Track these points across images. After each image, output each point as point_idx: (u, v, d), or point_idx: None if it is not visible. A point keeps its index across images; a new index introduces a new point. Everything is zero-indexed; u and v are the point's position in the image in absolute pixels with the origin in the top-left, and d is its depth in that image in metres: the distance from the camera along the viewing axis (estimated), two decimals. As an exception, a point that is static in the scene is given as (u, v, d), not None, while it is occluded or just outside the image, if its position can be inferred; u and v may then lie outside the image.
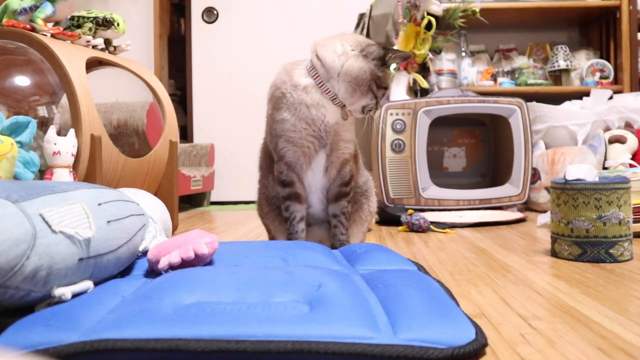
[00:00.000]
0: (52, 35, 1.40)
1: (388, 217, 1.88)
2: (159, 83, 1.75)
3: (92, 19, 1.55)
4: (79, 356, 0.53)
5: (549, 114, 2.39)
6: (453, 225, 1.72)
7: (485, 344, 0.59)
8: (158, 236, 0.98)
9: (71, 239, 0.66)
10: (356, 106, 1.16)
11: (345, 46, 1.13)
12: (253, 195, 1.41)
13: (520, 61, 2.99)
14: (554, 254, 1.17)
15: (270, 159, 1.24)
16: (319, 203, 1.23)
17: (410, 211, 1.64)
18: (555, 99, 2.64)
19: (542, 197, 2.16)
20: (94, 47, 1.55)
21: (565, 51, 2.88)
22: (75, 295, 0.68)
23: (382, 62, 1.13)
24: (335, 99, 1.13)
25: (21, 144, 1.15)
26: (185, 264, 0.82)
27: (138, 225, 0.87)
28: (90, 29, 1.54)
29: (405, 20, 2.27)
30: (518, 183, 2.10)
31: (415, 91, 2.41)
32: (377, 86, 1.13)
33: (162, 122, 1.72)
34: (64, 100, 1.38)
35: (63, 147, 1.22)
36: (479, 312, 0.75)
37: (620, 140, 2.18)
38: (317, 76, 1.13)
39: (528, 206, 2.23)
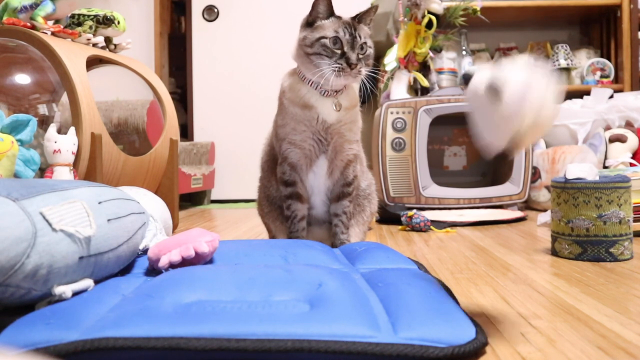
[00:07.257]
0: (53, 33, 1.40)
1: (388, 216, 1.88)
2: (159, 81, 1.75)
3: (92, 17, 1.55)
4: (80, 355, 0.53)
5: (550, 112, 2.39)
6: (453, 224, 1.72)
7: (486, 343, 0.59)
8: (158, 234, 0.98)
9: (71, 238, 0.66)
10: (323, 71, 1.08)
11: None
12: (253, 193, 1.41)
13: (521, 60, 2.99)
14: (554, 252, 1.17)
15: (273, 161, 1.25)
16: (322, 205, 1.23)
17: (410, 213, 1.63)
18: (556, 98, 2.64)
19: (543, 196, 2.16)
20: (94, 45, 1.55)
21: (565, 50, 2.88)
22: (75, 294, 0.68)
23: (307, 23, 1.16)
24: (319, 87, 1.13)
25: (22, 142, 1.14)
26: (185, 262, 0.82)
27: (138, 224, 0.87)
28: (90, 27, 1.54)
29: (405, 19, 2.27)
30: (518, 182, 2.10)
31: (416, 90, 2.41)
32: (309, 45, 1.11)
33: (163, 120, 1.72)
34: (65, 98, 1.38)
35: (63, 145, 1.22)
36: (479, 311, 0.75)
37: (621, 139, 2.17)
38: (300, 72, 1.16)
39: (528, 205, 2.23)
